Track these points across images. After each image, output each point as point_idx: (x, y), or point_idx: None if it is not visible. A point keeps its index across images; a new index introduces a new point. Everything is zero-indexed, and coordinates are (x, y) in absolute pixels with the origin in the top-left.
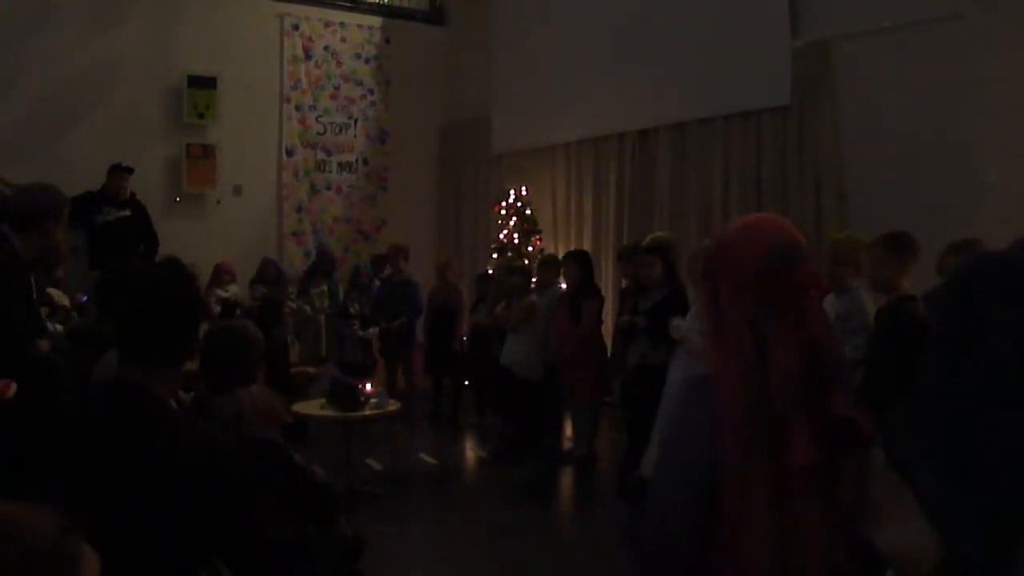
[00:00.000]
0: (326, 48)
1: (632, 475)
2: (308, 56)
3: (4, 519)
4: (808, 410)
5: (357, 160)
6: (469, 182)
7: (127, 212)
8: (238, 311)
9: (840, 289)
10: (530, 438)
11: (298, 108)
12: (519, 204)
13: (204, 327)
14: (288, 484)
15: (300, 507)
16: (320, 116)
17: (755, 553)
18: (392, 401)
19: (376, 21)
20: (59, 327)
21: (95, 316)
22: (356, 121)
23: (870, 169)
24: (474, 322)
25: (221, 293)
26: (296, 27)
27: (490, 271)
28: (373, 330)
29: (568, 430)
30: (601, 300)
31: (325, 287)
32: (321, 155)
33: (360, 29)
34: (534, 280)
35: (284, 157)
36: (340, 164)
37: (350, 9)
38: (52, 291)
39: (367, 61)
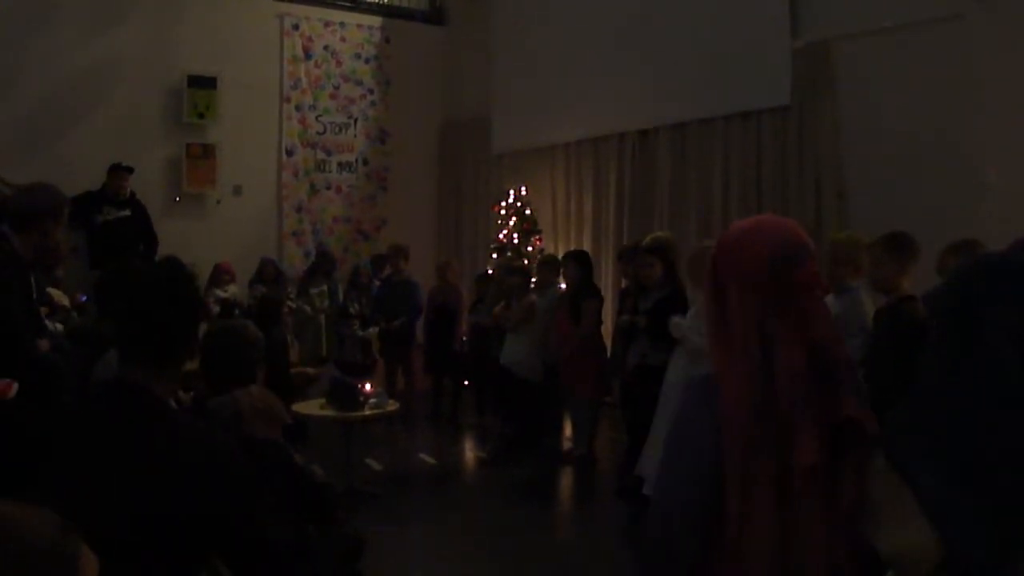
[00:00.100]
0: (326, 48)
1: (632, 475)
2: (308, 56)
3: (3, 520)
4: (814, 410)
5: (357, 160)
6: (469, 182)
7: (127, 212)
8: (237, 311)
9: (839, 289)
10: (530, 438)
11: (298, 108)
12: (519, 204)
13: (203, 327)
14: (288, 484)
15: (300, 507)
16: (320, 116)
17: (757, 553)
18: (392, 401)
19: (376, 21)
20: (59, 327)
21: (95, 316)
22: (356, 121)
23: (870, 169)
24: (474, 322)
25: (220, 293)
26: (296, 27)
27: (490, 271)
28: (373, 330)
29: (568, 430)
30: (601, 300)
31: (325, 287)
32: (321, 155)
33: (360, 29)
34: (534, 280)
35: (284, 157)
36: (340, 164)
37: (350, 9)
38: (52, 291)
39: (367, 61)
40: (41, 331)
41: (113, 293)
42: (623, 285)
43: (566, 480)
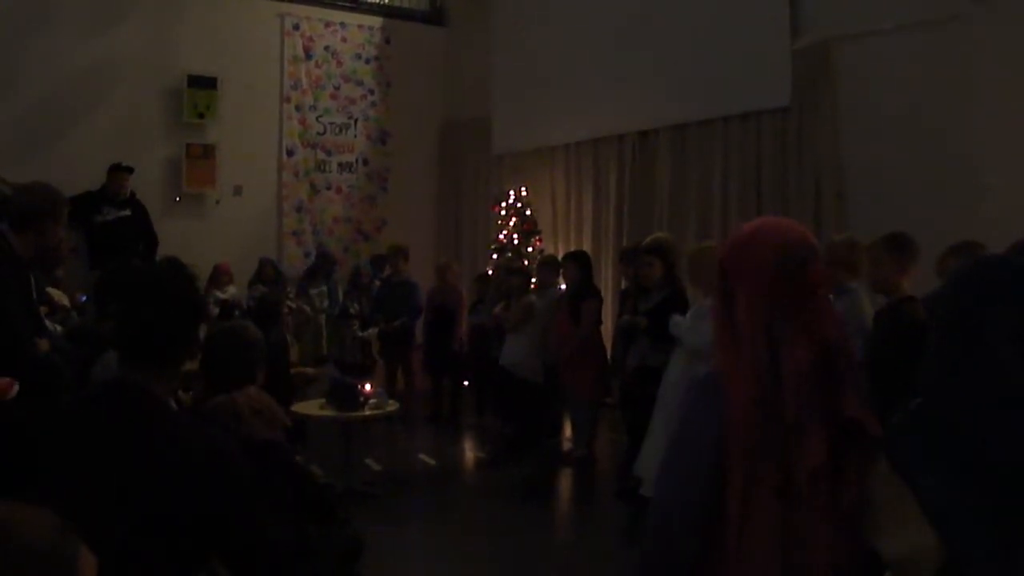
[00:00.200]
0: (326, 48)
1: (631, 476)
2: (308, 56)
3: (2, 521)
4: (821, 411)
5: (357, 160)
6: (469, 183)
7: (127, 212)
8: (236, 313)
9: (838, 291)
10: (529, 439)
11: (298, 108)
12: (519, 205)
13: (203, 328)
14: (288, 484)
15: (300, 507)
16: (320, 116)
17: (758, 554)
18: (391, 401)
19: (376, 21)
20: (58, 328)
21: (94, 316)
22: (356, 121)
23: (870, 170)
24: (473, 323)
25: (219, 294)
26: (296, 27)
27: (489, 272)
28: (372, 331)
29: (567, 431)
30: (600, 301)
31: (324, 287)
32: (321, 155)
33: (360, 29)
34: (534, 281)
35: (284, 157)
36: (340, 164)
37: (350, 9)
38: (51, 291)
39: (367, 61)
40: (41, 331)
41: (113, 293)
42: (623, 286)
43: (566, 481)
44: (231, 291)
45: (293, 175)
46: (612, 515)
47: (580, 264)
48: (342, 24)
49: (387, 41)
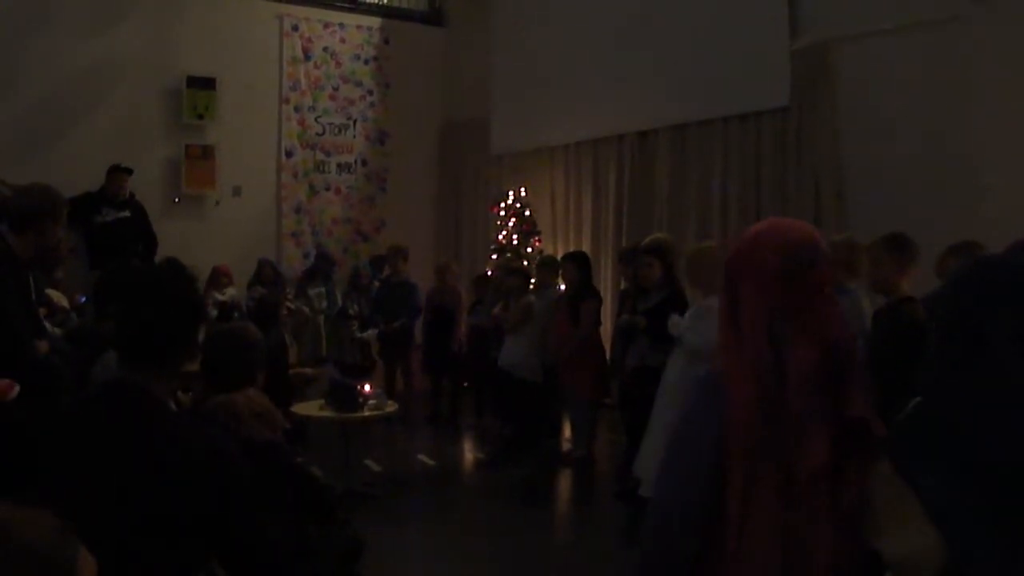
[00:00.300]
0: (325, 49)
1: (631, 476)
2: (307, 57)
3: (1, 522)
4: (824, 411)
5: (356, 161)
6: (468, 183)
7: (126, 213)
8: (235, 314)
9: (838, 291)
10: (529, 439)
11: (297, 109)
12: (518, 205)
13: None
14: (289, 485)
15: (301, 508)
16: (319, 117)
17: (759, 554)
18: (391, 402)
19: (375, 22)
20: (57, 330)
21: (94, 317)
22: (355, 122)
23: (869, 170)
24: (473, 323)
25: (218, 296)
26: (295, 28)
27: (489, 272)
28: (371, 331)
29: (567, 431)
30: (600, 301)
31: (323, 288)
32: (320, 156)
33: (359, 30)
34: (533, 281)
35: (283, 158)
36: (339, 165)
37: (349, 10)
38: (51, 292)
39: (366, 62)
40: (40, 332)
41: (113, 294)
42: (622, 286)
43: (565, 481)
44: (230, 292)
45: (292, 176)
46: (611, 515)
47: (579, 265)
48: (341, 25)
49: (386, 42)
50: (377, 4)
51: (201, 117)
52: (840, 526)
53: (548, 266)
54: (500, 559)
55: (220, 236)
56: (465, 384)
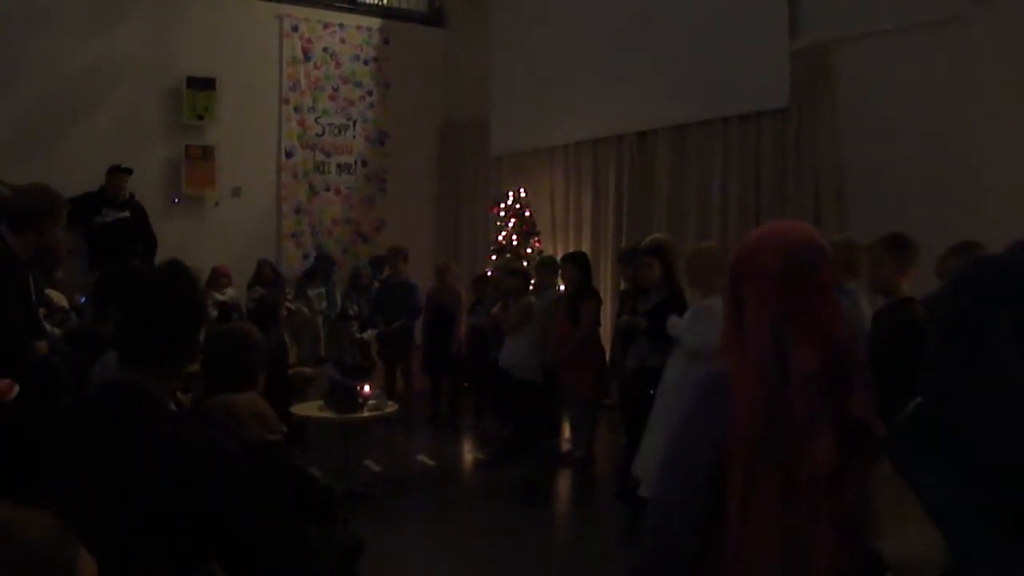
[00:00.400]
0: (325, 49)
1: (630, 477)
2: (307, 57)
3: (1, 522)
4: (828, 411)
5: (356, 161)
6: (468, 184)
7: (126, 213)
8: (235, 315)
9: (837, 291)
10: (528, 440)
11: (297, 109)
12: (518, 206)
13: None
14: (289, 485)
15: (301, 508)
16: (319, 117)
17: (759, 554)
18: (390, 403)
19: (375, 22)
20: (56, 330)
21: (93, 317)
22: (355, 122)
23: (869, 171)
24: (472, 324)
25: (218, 296)
26: (295, 28)
27: (488, 273)
28: (371, 332)
29: (566, 432)
30: (599, 302)
31: (322, 289)
32: (320, 156)
33: (359, 30)
34: (533, 282)
35: (283, 158)
36: (339, 165)
37: (349, 10)
38: (51, 292)
39: (366, 62)
40: (40, 333)
41: (113, 294)
42: (622, 287)
43: (565, 482)
44: (229, 293)
45: (292, 176)
46: (611, 516)
47: (579, 265)
48: (341, 25)
49: (386, 42)
50: (377, 5)
51: (201, 117)
52: (840, 526)
53: (548, 266)
54: (500, 559)
55: (220, 237)
56: (465, 384)
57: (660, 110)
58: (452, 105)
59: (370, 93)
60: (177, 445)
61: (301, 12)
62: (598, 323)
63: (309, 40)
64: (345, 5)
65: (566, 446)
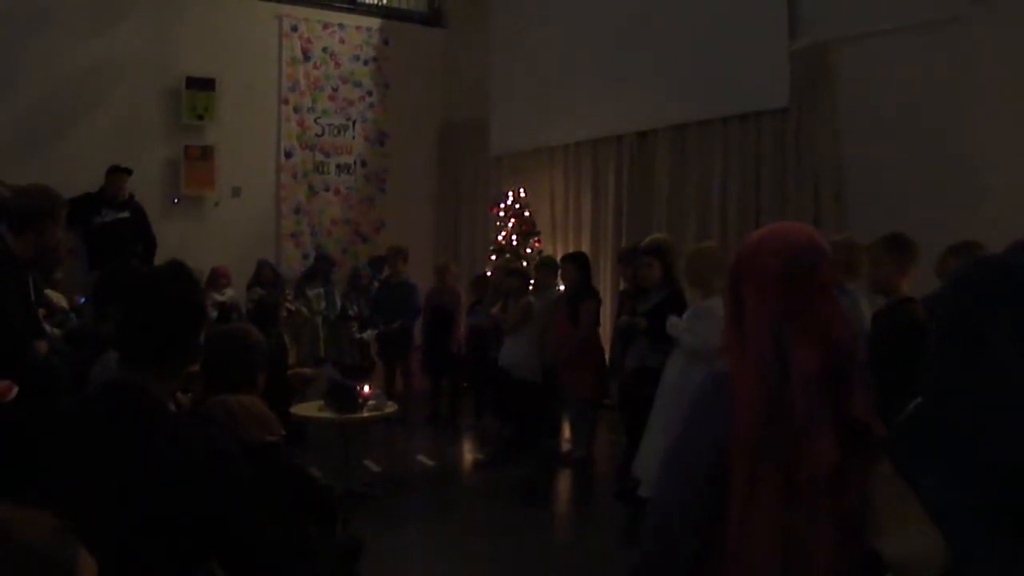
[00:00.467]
0: (325, 49)
1: (630, 477)
2: (307, 57)
3: (1, 522)
4: (829, 412)
5: (356, 162)
6: (468, 184)
7: (125, 214)
8: (234, 315)
9: (837, 292)
10: (528, 440)
11: (296, 110)
12: (518, 206)
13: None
14: (288, 485)
15: (301, 508)
16: (319, 118)
17: (759, 554)
18: (390, 403)
19: (375, 23)
20: (56, 331)
21: (93, 318)
22: (355, 123)
23: (869, 171)
24: (472, 324)
25: (217, 297)
26: (295, 28)
27: (488, 273)
28: (371, 332)
29: (566, 432)
30: (599, 302)
31: (321, 289)
32: (320, 157)
33: (359, 31)
34: (532, 282)
35: (282, 159)
36: (339, 166)
37: (349, 11)
38: (50, 292)
39: (366, 63)
40: (39, 333)
41: (113, 295)
42: (622, 287)
43: (564, 482)
44: (229, 293)
45: (291, 177)
46: (611, 516)
47: (579, 265)
48: (340, 25)
49: (385, 42)
50: (376, 5)
51: (200, 118)
52: (840, 526)
53: (547, 267)
54: (500, 559)
55: (219, 237)
56: (464, 384)
57: (660, 110)
58: (452, 105)
59: (370, 93)
60: (177, 445)
61: (301, 12)
62: (598, 323)
63: (309, 40)
64: (345, 5)
65: (566, 446)
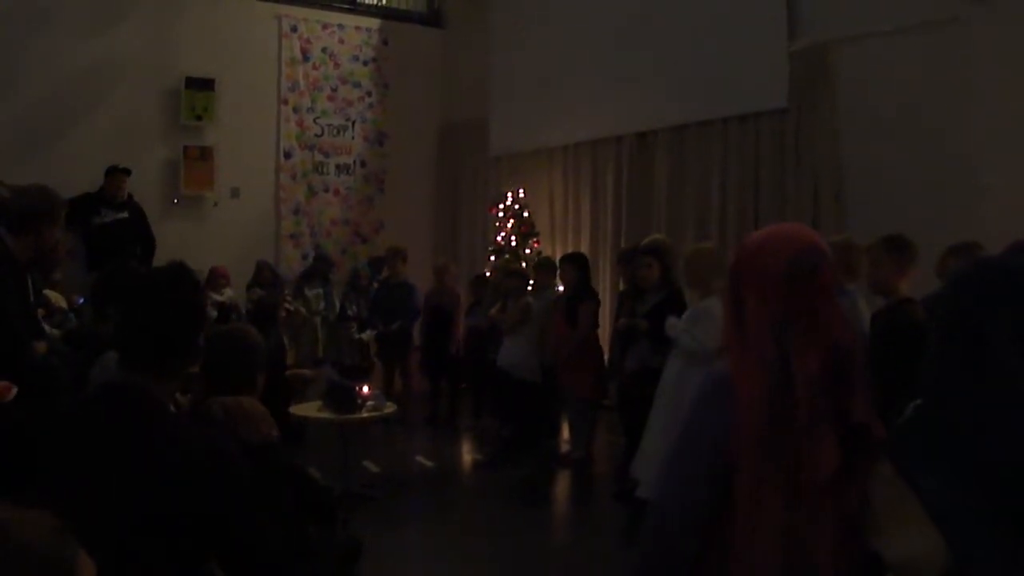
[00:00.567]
0: (324, 50)
1: (629, 477)
2: (306, 58)
3: (0, 523)
4: (829, 414)
5: (355, 162)
6: (467, 184)
7: (125, 214)
8: (233, 316)
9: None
10: (527, 440)
11: (296, 110)
12: (517, 206)
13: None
14: (288, 486)
15: (300, 509)
16: (318, 118)
17: (759, 554)
18: (389, 403)
19: (374, 23)
20: (55, 331)
21: (92, 318)
22: (354, 123)
23: (868, 171)
24: (471, 324)
25: (217, 297)
26: (294, 29)
27: (487, 273)
28: (370, 332)
29: (565, 432)
30: (598, 303)
31: (320, 290)
32: (319, 157)
33: (358, 31)
34: (531, 283)
35: (282, 159)
36: (338, 166)
37: (348, 11)
38: (49, 293)
39: (365, 63)
40: (38, 334)
41: (112, 295)
42: (621, 288)
43: (563, 482)
44: (228, 294)
45: (291, 177)
46: (610, 516)
47: (578, 266)
48: (340, 26)
49: (385, 43)
50: (376, 5)
51: (200, 118)
52: (841, 527)
53: (546, 267)
54: (499, 559)
55: (218, 237)
56: (463, 385)
57: (659, 111)
58: (451, 105)
59: (369, 94)
60: (177, 445)
61: (300, 12)
62: (597, 324)
63: (308, 40)
64: (344, 5)
65: (565, 447)
